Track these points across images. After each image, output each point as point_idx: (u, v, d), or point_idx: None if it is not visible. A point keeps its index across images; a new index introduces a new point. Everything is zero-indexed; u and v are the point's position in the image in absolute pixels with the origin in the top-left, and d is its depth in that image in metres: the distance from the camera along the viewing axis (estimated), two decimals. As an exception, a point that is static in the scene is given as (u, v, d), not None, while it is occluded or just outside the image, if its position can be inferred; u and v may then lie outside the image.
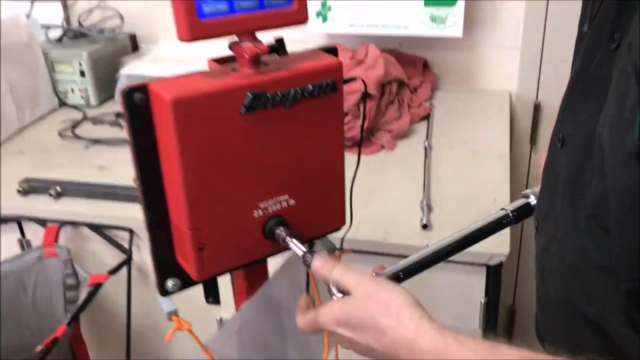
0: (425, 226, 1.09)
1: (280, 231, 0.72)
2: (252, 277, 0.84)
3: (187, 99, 0.62)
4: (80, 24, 1.87)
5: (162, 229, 0.73)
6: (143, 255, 1.28)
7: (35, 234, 1.31)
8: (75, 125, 1.63)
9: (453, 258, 1.03)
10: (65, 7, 1.93)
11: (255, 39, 0.66)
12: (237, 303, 0.87)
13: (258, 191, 0.71)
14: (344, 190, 0.79)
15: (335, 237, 0.83)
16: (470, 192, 1.20)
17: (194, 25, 0.62)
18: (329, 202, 0.78)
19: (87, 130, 1.61)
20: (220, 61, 0.70)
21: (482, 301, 1.11)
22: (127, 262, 1.23)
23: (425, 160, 1.31)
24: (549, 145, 0.70)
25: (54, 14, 1.90)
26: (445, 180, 1.25)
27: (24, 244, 1.32)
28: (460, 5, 1.49)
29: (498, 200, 1.17)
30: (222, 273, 0.75)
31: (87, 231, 1.27)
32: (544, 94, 1.65)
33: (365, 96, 0.87)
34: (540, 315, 0.72)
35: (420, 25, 1.55)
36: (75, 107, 1.75)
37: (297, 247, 0.71)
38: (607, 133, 0.48)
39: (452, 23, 1.52)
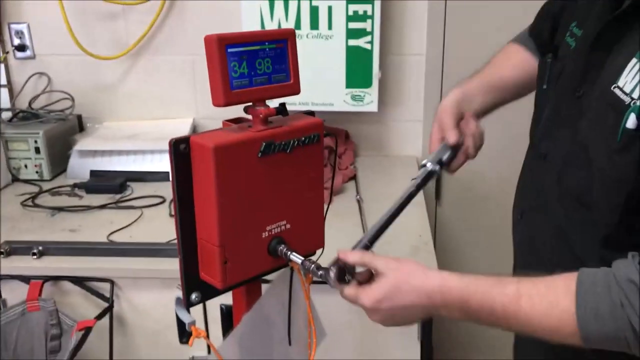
0: (370, 256, 1.35)
1: (282, 248, 0.95)
2: (250, 293, 1.04)
3: (223, 146, 0.85)
4: (30, 106, 2.02)
5: (190, 251, 0.93)
6: (123, 304, 1.43)
7: (13, 293, 1.41)
8: (34, 196, 1.75)
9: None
10: (11, 91, 2.09)
11: (266, 104, 0.92)
12: (237, 316, 1.07)
13: (266, 217, 0.94)
14: (324, 218, 1.04)
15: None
16: (399, 231, 1.47)
17: (227, 94, 0.86)
18: (313, 227, 1.02)
19: (47, 200, 1.75)
20: (233, 121, 0.95)
21: (419, 315, 1.37)
22: (110, 309, 1.37)
23: (360, 209, 1.60)
24: (525, 164, 1.00)
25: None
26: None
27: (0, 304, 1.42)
28: (375, 87, 1.84)
29: (422, 235, 1.46)
30: (238, 284, 0.95)
31: (67, 285, 1.40)
32: (443, 157, 2.02)
33: (336, 150, 1.15)
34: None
35: (343, 103, 1.88)
36: (28, 181, 1.88)
37: (296, 258, 0.94)
38: (591, 143, 0.77)
39: (369, 101, 1.87)
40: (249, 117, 0.93)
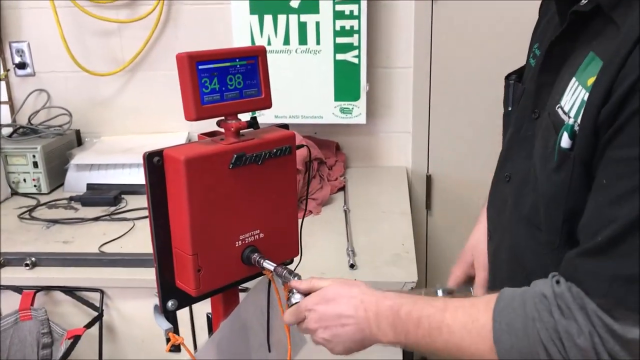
0: (352, 266, 1.39)
1: (256, 256, 0.99)
2: (228, 300, 1.08)
3: (194, 158, 0.89)
4: (29, 122, 2.08)
5: (166, 260, 0.97)
6: (112, 313, 1.46)
7: (6, 302, 1.46)
8: (32, 209, 1.80)
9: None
10: (12, 108, 2.15)
11: (237, 118, 0.95)
12: (215, 323, 1.10)
13: (239, 226, 0.97)
14: (298, 227, 1.07)
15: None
16: (383, 239, 1.52)
17: (198, 109, 0.90)
18: (288, 235, 1.05)
19: (43, 213, 1.80)
20: (207, 135, 0.99)
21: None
22: (100, 318, 1.41)
23: (346, 219, 1.63)
24: (493, 183, 1.01)
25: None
26: (363, 233, 1.56)
27: (-7, 314, 1.47)
28: (363, 99, 1.88)
29: (405, 244, 1.49)
30: (212, 292, 0.99)
31: (59, 295, 1.45)
32: (433, 167, 2.05)
33: (310, 161, 1.20)
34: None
35: (332, 116, 1.92)
36: (27, 195, 1.93)
37: (269, 265, 0.97)
38: (538, 163, 0.77)
39: (357, 113, 1.91)
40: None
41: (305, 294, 0.94)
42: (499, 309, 0.71)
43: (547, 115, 0.78)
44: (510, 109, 0.97)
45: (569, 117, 0.71)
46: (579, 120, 0.69)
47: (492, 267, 1.01)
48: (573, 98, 0.71)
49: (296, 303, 0.94)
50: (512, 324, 0.69)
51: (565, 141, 0.71)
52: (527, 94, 0.90)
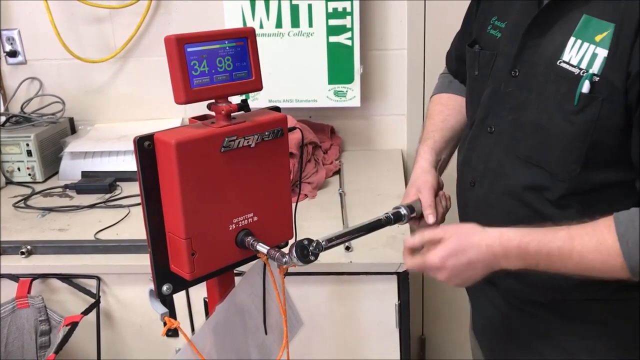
0: (347, 248, 1.39)
1: (250, 239, 0.99)
2: (223, 284, 1.08)
3: (185, 142, 0.89)
4: (22, 111, 2.07)
5: (160, 244, 0.97)
6: (109, 300, 1.47)
7: (3, 291, 1.46)
8: (27, 198, 1.80)
9: (370, 270, 1.34)
10: (4, 96, 2.13)
11: (228, 101, 0.95)
12: (211, 306, 1.10)
13: (232, 210, 0.97)
14: (292, 209, 1.07)
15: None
16: (379, 222, 1.52)
17: (188, 92, 0.90)
18: (281, 218, 1.05)
19: (38, 201, 1.79)
20: (198, 118, 0.99)
21: (396, 303, 1.40)
22: (97, 304, 1.41)
23: (342, 202, 1.63)
24: (471, 137, 1.11)
25: (-5, 103, 2.10)
26: (358, 216, 1.56)
27: (-10, 302, 1.47)
28: (357, 82, 1.87)
29: (400, 227, 1.49)
30: (207, 276, 0.99)
31: (56, 283, 1.45)
32: (428, 149, 2.04)
33: (303, 144, 1.20)
34: None
35: (326, 99, 1.91)
36: (21, 183, 1.93)
37: (262, 248, 0.97)
38: (551, 109, 0.93)
39: (352, 96, 1.90)
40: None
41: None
42: (622, 231, 0.85)
43: (543, 71, 0.95)
44: (477, 73, 1.10)
45: (580, 68, 0.90)
46: (595, 70, 0.88)
47: (482, 210, 1.09)
48: (581, 52, 0.90)
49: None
50: (638, 241, 0.83)
51: (586, 87, 0.88)
52: (504, 57, 1.04)
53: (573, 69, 0.91)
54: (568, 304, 1.04)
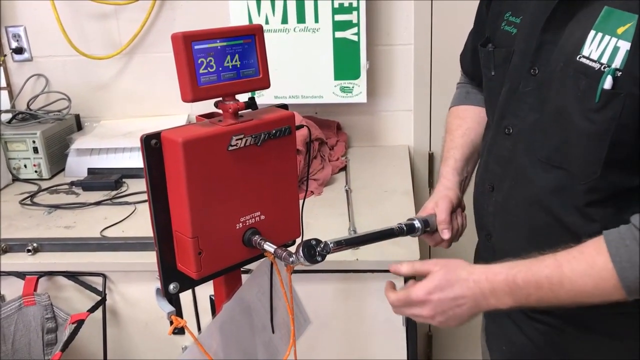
0: (354, 245, 1.38)
1: (257, 238, 0.98)
2: (230, 283, 1.07)
3: (192, 140, 0.88)
4: (28, 107, 2.07)
5: (167, 243, 0.96)
6: (115, 297, 1.47)
7: (10, 289, 1.46)
8: (33, 195, 1.80)
9: (378, 268, 1.33)
10: (11, 93, 2.13)
11: (235, 99, 0.94)
12: (218, 305, 1.10)
13: (239, 208, 0.96)
14: (299, 208, 1.06)
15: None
16: (385, 218, 1.51)
17: (195, 90, 0.89)
18: (289, 217, 1.05)
19: (45, 199, 1.79)
20: (205, 116, 0.98)
21: (404, 302, 1.39)
22: (103, 302, 1.41)
23: (348, 199, 1.62)
24: (489, 140, 1.07)
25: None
26: (364, 212, 1.55)
27: (-1, 299, 1.47)
28: (363, 78, 1.86)
29: (408, 224, 1.48)
30: (214, 274, 0.98)
31: (62, 280, 1.45)
32: (435, 145, 2.03)
33: (310, 141, 1.19)
34: (504, 243, 1.05)
35: (332, 95, 1.90)
36: (28, 180, 1.93)
37: (270, 247, 0.97)
38: (571, 107, 0.88)
39: (358, 92, 1.89)
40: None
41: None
42: (613, 250, 0.81)
43: (563, 67, 0.90)
44: (493, 73, 1.07)
45: (600, 63, 0.85)
46: (617, 64, 0.83)
47: (501, 216, 1.05)
48: (602, 46, 0.85)
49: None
50: (632, 259, 0.79)
51: (608, 83, 0.83)
52: (521, 54, 0.99)
53: (593, 64, 0.86)
54: (587, 316, 0.98)
